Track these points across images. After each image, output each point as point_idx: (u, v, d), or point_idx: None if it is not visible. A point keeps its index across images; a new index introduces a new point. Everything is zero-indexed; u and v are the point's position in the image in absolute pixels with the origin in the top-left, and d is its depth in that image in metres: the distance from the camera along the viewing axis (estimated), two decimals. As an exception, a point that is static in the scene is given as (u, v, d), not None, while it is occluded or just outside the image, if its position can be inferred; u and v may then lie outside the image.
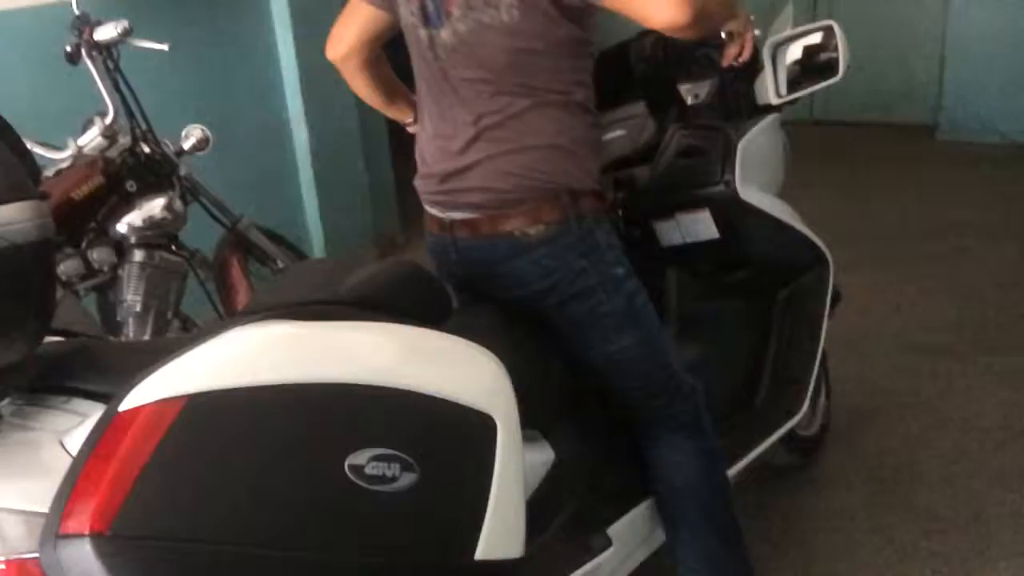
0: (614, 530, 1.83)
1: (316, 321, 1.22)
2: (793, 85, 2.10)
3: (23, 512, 1.09)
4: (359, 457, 1.12)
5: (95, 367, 1.25)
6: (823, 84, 2.09)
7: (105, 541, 0.99)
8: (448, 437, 1.23)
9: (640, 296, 1.73)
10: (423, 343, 1.29)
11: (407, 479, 1.15)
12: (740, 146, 2.04)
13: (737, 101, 2.14)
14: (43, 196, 1.14)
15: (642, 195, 2.12)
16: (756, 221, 2.09)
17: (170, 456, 1.03)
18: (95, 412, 1.17)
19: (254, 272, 3.28)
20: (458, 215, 1.71)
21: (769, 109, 2.14)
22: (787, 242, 2.18)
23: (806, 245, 2.22)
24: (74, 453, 1.11)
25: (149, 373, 1.08)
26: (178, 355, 1.10)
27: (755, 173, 2.07)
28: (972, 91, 5.50)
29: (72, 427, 1.17)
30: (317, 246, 4.21)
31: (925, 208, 4.55)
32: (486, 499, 1.24)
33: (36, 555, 1.08)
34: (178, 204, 2.89)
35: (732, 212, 2.06)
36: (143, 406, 1.04)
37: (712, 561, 1.84)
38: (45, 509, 1.07)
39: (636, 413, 1.80)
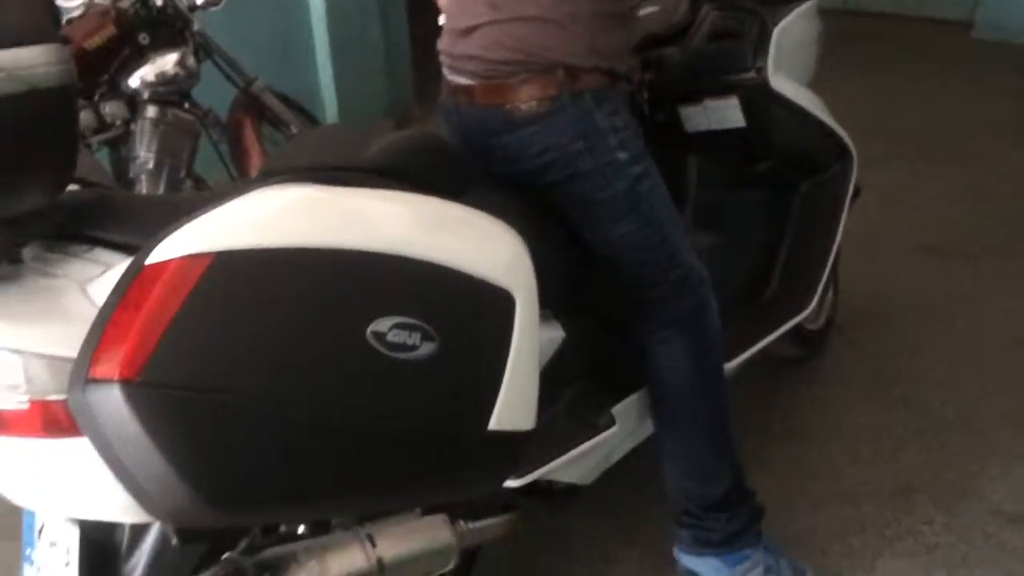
0: (618, 410, 1.86)
1: (341, 187, 1.22)
2: None
3: (47, 356, 1.11)
4: (381, 324, 1.13)
5: (117, 218, 1.25)
6: None
7: (134, 387, 1.01)
8: (468, 310, 1.24)
9: (647, 181, 1.66)
10: (447, 215, 1.29)
11: (427, 348, 1.16)
12: (775, 32, 1.98)
13: None
14: (65, 40, 1.12)
15: (670, 77, 2.07)
16: (784, 112, 2.05)
17: (198, 310, 1.04)
18: (118, 262, 1.19)
19: (267, 136, 3.25)
20: (460, 80, 1.68)
21: None
22: (813, 135, 2.15)
23: (832, 139, 2.19)
24: (98, 301, 1.13)
25: (176, 228, 1.08)
26: (204, 212, 1.10)
27: (788, 62, 2.01)
28: (1011, -12, 5.31)
29: (95, 276, 1.18)
30: (331, 115, 4.16)
31: (954, 107, 4.46)
32: (502, 372, 1.26)
33: (59, 398, 1.11)
34: (191, 60, 2.85)
35: (761, 101, 2.01)
36: (171, 260, 1.05)
37: (695, 468, 1.79)
38: (69, 353, 1.10)
39: (633, 301, 1.76)
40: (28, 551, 1.40)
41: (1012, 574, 1.92)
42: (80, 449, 1.12)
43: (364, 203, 1.21)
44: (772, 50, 1.97)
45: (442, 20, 1.76)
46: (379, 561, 1.37)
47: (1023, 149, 3.94)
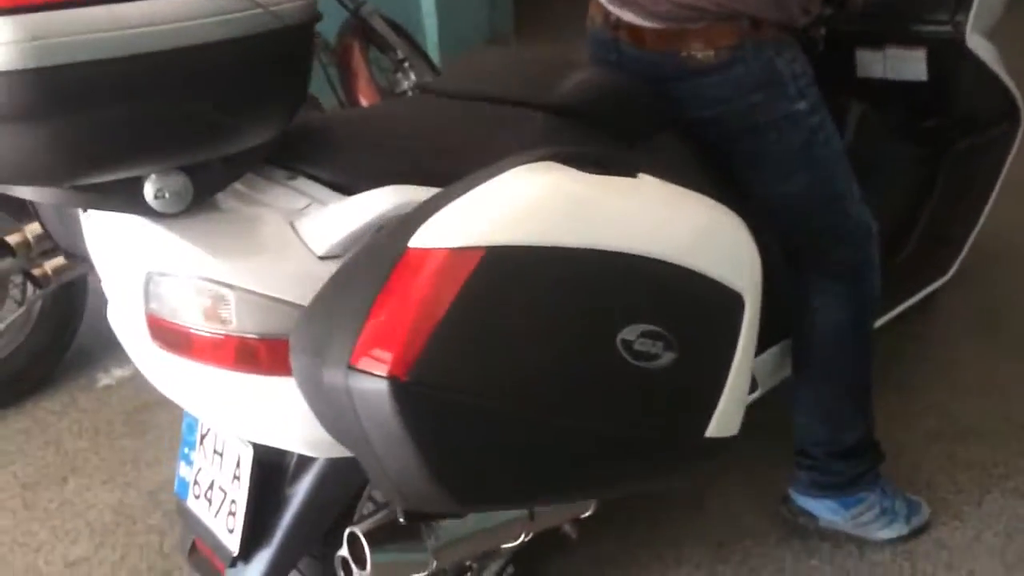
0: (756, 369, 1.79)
1: (597, 175, 1.14)
2: None
3: (258, 294, 1.10)
4: (630, 332, 1.09)
5: (316, 147, 1.21)
6: None
7: (401, 387, 0.98)
8: (706, 316, 1.20)
9: (823, 132, 1.57)
10: (692, 211, 1.22)
11: (667, 358, 1.12)
12: None
13: None
14: None
15: (854, 16, 1.90)
16: (971, 71, 1.90)
17: (467, 309, 1.00)
18: (321, 195, 1.17)
19: (373, 60, 3.19)
20: (626, 16, 1.56)
21: None
22: (992, 95, 2.00)
23: (1006, 98, 2.03)
24: (306, 239, 1.12)
25: (433, 209, 1.04)
26: (463, 194, 1.05)
27: (987, 16, 1.86)
28: None
29: (299, 208, 1.15)
30: (431, 42, 4.06)
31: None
32: (725, 380, 1.22)
33: (253, 335, 1.11)
34: (305, -20, 2.77)
35: (952, 58, 1.87)
36: (439, 250, 1.00)
37: (830, 416, 1.75)
38: (275, 293, 1.10)
39: (797, 250, 1.69)
40: (187, 450, 1.43)
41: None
42: (270, 386, 1.13)
43: (621, 200, 1.15)
44: (975, 5, 1.82)
45: None
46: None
47: None
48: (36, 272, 2.36)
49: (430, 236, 1.01)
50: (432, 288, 0.99)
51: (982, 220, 2.19)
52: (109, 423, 2.31)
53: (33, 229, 1.93)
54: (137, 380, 2.34)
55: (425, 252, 1.00)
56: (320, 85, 2.99)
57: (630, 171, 1.20)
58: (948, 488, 1.92)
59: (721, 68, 1.49)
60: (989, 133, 2.11)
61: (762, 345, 1.79)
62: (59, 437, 2.28)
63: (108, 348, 2.45)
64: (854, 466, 1.75)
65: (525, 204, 1.06)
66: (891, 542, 1.79)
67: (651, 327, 1.11)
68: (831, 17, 1.91)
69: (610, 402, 1.13)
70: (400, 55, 3.18)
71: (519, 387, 1.05)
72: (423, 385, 0.98)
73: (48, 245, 1.91)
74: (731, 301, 1.21)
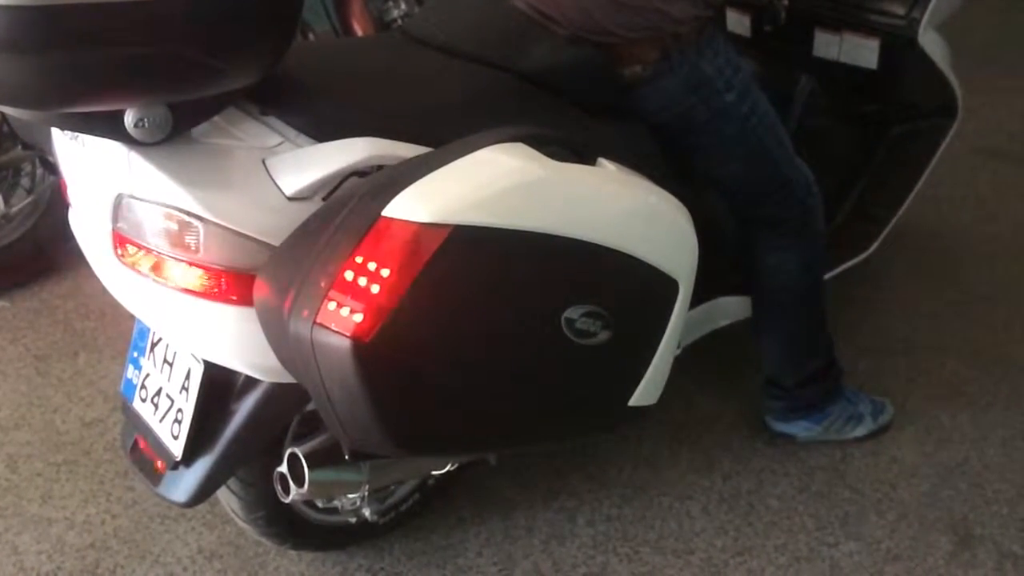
0: None
1: (561, 163, 1.06)
2: None
3: (221, 226, 1.00)
4: (573, 312, 1.05)
5: (290, 85, 1.09)
6: None
7: (363, 348, 0.91)
8: (642, 300, 1.15)
9: (755, 116, 1.45)
10: (645, 201, 1.15)
11: (603, 336, 1.08)
12: None
13: None
14: None
15: None
16: (919, 67, 1.78)
17: (430, 282, 0.93)
18: (296, 137, 1.06)
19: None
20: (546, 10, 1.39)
21: None
22: (934, 89, 1.88)
23: (947, 93, 1.90)
24: (277, 178, 1.02)
25: (408, 179, 0.95)
26: (437, 167, 0.97)
27: (940, 17, 1.73)
28: None
29: (272, 146, 1.05)
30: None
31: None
32: (653, 356, 1.18)
33: (218, 266, 1.03)
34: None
35: (902, 52, 1.73)
36: (410, 223, 0.92)
37: (796, 354, 1.73)
38: (242, 229, 1.01)
39: (746, 216, 1.62)
40: (135, 354, 1.35)
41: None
42: (227, 313, 1.06)
43: (579, 190, 1.08)
44: (932, 5, 1.68)
45: None
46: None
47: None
48: (52, 159, 2.19)
49: (403, 207, 0.93)
50: (400, 259, 0.92)
51: (907, 204, 2.06)
52: (115, 307, 2.16)
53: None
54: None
55: (397, 223, 0.93)
56: (315, 7, 2.77)
57: (591, 158, 1.13)
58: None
59: (650, 81, 1.36)
60: (925, 123, 1.98)
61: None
62: (67, 317, 2.18)
63: (111, 239, 2.34)
64: (819, 389, 1.74)
65: (492, 187, 0.98)
66: (863, 438, 1.80)
67: (592, 308, 1.06)
68: (800, -8, 1.78)
69: (548, 374, 1.08)
70: (396, -16, 2.97)
71: (470, 357, 1.00)
72: (384, 348, 0.92)
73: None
74: (668, 287, 1.16)
